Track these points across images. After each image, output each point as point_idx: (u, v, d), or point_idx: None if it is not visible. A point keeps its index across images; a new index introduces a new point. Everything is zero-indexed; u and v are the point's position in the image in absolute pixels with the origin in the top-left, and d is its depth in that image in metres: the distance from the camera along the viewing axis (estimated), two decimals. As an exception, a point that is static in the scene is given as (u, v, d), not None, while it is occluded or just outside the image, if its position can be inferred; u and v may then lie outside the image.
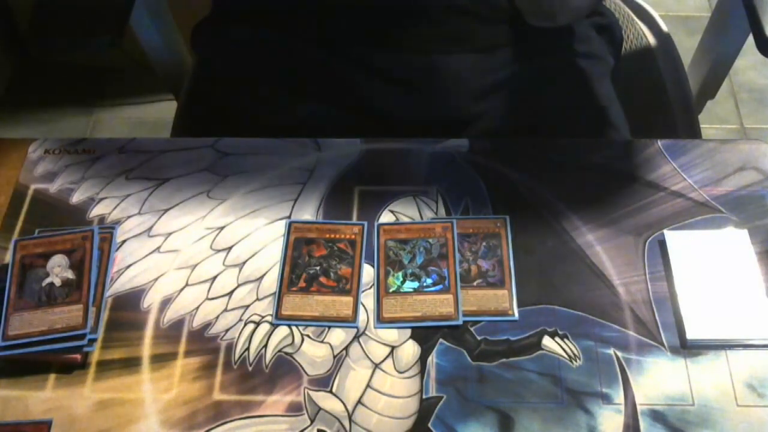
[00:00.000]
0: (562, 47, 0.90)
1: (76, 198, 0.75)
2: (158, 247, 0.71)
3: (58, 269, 0.68)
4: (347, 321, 0.66)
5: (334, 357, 0.65)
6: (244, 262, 0.70)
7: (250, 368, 0.64)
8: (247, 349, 0.65)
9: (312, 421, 0.61)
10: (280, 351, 0.65)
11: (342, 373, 0.64)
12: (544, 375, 0.63)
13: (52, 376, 0.64)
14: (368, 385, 0.63)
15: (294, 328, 0.66)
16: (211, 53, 0.96)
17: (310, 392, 0.63)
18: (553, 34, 0.88)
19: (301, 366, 0.64)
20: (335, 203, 0.73)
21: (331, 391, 0.63)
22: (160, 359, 0.65)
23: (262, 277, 0.69)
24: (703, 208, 0.72)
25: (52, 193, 0.75)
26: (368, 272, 0.69)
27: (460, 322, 0.66)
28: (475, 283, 0.68)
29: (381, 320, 0.66)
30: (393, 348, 0.65)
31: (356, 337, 0.66)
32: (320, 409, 0.62)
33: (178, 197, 0.74)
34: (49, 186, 0.75)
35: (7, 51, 1.80)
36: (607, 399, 0.62)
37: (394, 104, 0.86)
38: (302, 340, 0.66)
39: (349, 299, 0.67)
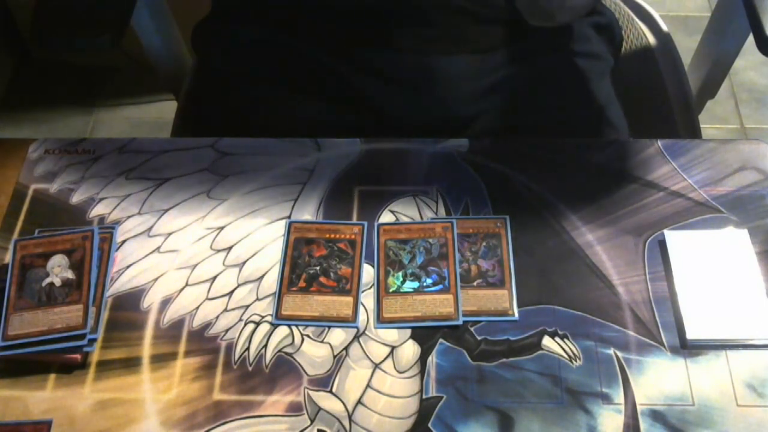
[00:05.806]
0: (561, 47, 0.90)
1: (76, 198, 0.75)
2: (158, 247, 0.71)
3: (58, 269, 0.68)
4: (347, 321, 0.66)
5: (334, 357, 0.65)
6: (244, 262, 0.70)
7: (250, 368, 0.64)
8: (247, 349, 0.65)
9: (312, 421, 0.61)
10: (280, 351, 0.65)
11: (342, 373, 0.64)
12: (544, 375, 0.63)
13: (52, 376, 0.64)
14: (368, 385, 0.63)
15: (294, 328, 0.66)
16: (211, 53, 0.96)
17: (310, 392, 0.63)
18: (552, 34, 0.88)
19: (301, 366, 0.64)
20: (335, 203, 0.73)
21: (331, 391, 0.63)
22: (160, 359, 0.65)
23: (262, 277, 0.69)
24: (703, 208, 0.72)
25: (52, 193, 0.75)
26: (368, 272, 0.69)
27: (460, 322, 0.66)
28: (475, 283, 0.68)
29: (381, 320, 0.66)
30: (393, 348, 0.65)
31: (356, 337, 0.66)
32: (320, 409, 0.62)
33: (178, 197, 0.74)
34: (49, 186, 0.75)
35: (7, 51, 1.80)
36: (607, 399, 0.62)
37: (394, 104, 0.86)
38: (302, 340, 0.66)
39: (349, 299, 0.67)
